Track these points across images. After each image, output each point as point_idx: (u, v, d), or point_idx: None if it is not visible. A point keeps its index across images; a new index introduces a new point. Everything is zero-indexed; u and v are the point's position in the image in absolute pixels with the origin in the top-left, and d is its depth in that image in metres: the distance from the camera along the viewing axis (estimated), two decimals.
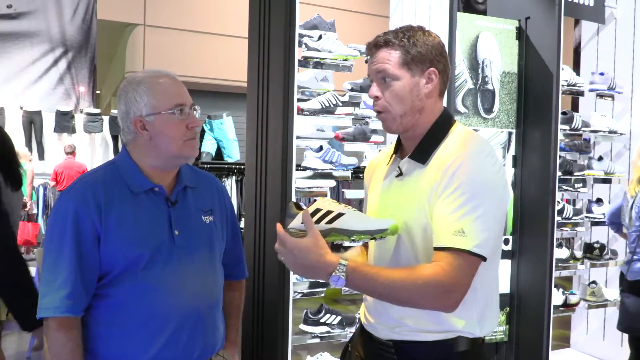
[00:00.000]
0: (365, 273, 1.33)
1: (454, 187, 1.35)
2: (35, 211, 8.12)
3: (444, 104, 1.57)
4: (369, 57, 1.52)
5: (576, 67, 4.74)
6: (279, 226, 1.38)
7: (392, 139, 3.38)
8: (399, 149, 1.58)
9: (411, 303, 1.36)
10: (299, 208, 1.45)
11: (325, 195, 3.29)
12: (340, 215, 1.42)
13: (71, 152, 8.31)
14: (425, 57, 1.46)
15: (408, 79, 1.45)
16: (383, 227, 1.41)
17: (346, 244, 1.66)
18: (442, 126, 1.49)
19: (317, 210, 1.43)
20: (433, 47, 1.47)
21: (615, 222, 3.69)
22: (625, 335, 3.81)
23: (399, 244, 1.46)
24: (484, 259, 1.34)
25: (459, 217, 1.33)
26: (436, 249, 1.35)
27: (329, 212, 1.42)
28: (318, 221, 1.41)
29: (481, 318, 1.44)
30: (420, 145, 1.48)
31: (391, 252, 1.48)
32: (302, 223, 1.40)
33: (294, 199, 2.95)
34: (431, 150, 1.46)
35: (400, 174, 1.51)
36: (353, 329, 3.23)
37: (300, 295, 3.06)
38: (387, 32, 1.50)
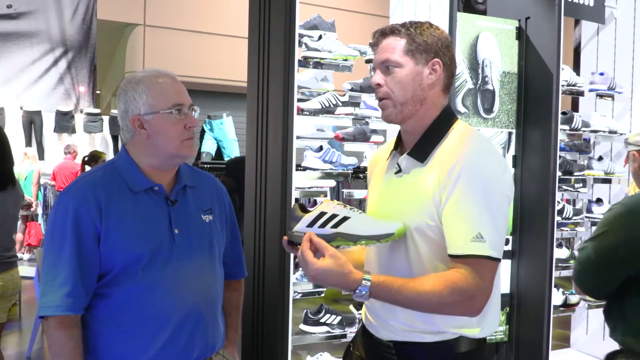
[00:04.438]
0: (389, 288, 1.33)
1: (461, 191, 1.34)
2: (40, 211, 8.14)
3: None
4: (374, 45, 1.51)
5: (576, 67, 4.74)
6: (302, 245, 1.36)
7: (392, 137, 3.38)
8: (399, 145, 1.57)
9: (436, 312, 1.38)
10: (304, 210, 1.43)
11: (325, 195, 3.29)
12: (345, 219, 1.39)
13: (68, 153, 8.33)
14: (431, 47, 1.45)
15: (411, 67, 1.44)
16: (389, 232, 1.40)
17: (352, 248, 1.64)
18: (442, 123, 1.48)
19: (322, 214, 1.40)
20: (439, 40, 1.47)
21: None
22: None
23: (397, 241, 1.45)
24: (499, 260, 1.36)
25: (473, 222, 1.33)
26: (454, 256, 1.35)
27: (334, 216, 1.40)
28: (323, 225, 1.39)
29: (481, 319, 1.44)
30: (420, 143, 1.47)
31: (388, 248, 1.49)
32: (319, 228, 1.39)
33: (294, 199, 2.95)
34: (430, 149, 1.45)
35: (399, 170, 1.50)
36: (353, 329, 3.23)
37: (300, 295, 3.06)
38: (395, 23, 1.50)
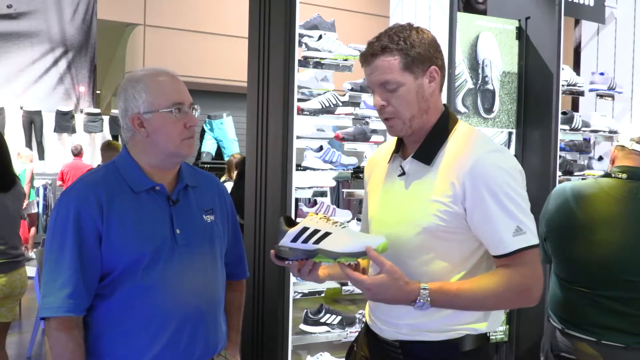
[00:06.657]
0: (447, 293, 1.36)
1: (485, 194, 1.38)
2: (35, 210, 8.12)
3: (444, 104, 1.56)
4: (364, 66, 1.48)
5: (576, 67, 4.74)
6: (351, 272, 1.37)
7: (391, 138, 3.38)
8: (400, 148, 1.57)
9: (496, 309, 1.45)
10: (290, 224, 1.41)
11: (325, 195, 3.29)
12: (327, 234, 1.37)
13: (77, 154, 8.33)
14: (425, 57, 1.44)
15: (412, 82, 1.44)
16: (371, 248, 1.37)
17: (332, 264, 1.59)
18: (445, 124, 1.49)
19: (305, 229, 1.38)
20: (430, 45, 1.46)
21: None
22: None
23: (407, 243, 1.45)
24: (539, 244, 1.41)
25: (508, 219, 1.37)
26: (501, 256, 1.39)
27: (316, 231, 1.38)
28: (305, 240, 1.37)
29: (487, 313, 1.46)
30: (424, 145, 1.48)
31: (396, 251, 1.47)
32: (302, 243, 1.38)
33: (294, 200, 2.95)
34: (435, 150, 1.46)
35: (403, 173, 1.50)
36: (353, 329, 3.23)
37: (300, 295, 3.06)
38: (380, 36, 1.46)
